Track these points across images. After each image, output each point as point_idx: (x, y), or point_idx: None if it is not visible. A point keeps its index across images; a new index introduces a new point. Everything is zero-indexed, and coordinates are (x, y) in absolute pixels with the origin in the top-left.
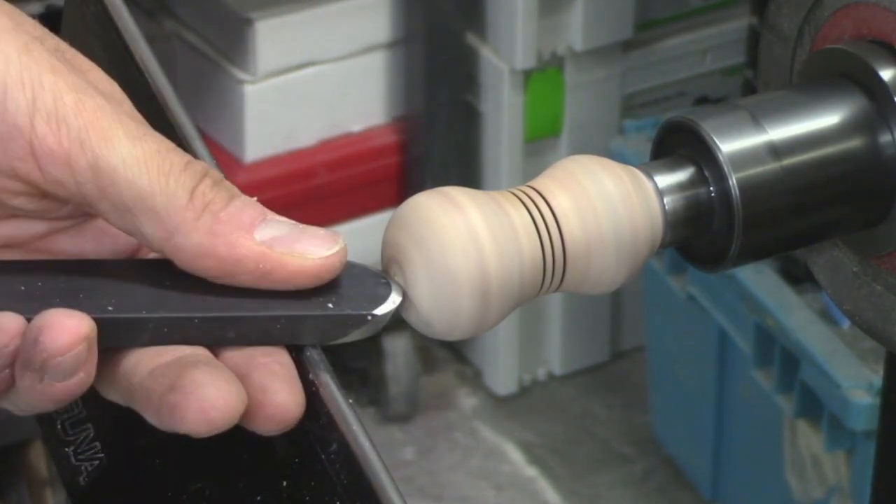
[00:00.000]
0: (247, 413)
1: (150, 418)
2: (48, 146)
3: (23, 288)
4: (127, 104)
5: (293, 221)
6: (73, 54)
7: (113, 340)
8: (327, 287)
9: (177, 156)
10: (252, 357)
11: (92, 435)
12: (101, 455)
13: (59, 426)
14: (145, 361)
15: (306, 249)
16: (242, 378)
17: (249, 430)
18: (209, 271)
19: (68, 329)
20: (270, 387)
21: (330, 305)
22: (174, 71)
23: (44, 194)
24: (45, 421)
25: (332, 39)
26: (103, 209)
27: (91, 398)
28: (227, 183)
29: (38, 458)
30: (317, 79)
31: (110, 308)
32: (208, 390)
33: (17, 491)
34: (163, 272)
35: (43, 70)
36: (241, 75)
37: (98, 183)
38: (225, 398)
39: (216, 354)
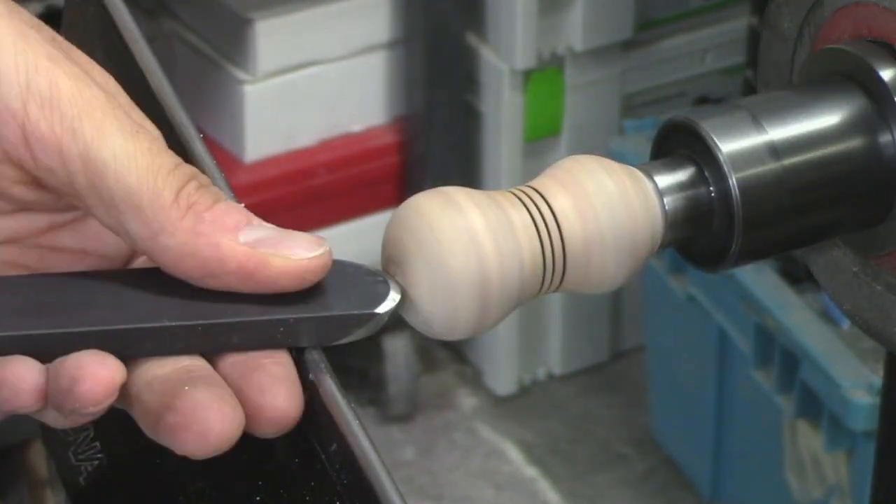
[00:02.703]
0: (246, 417)
1: (147, 431)
2: (40, 131)
3: (20, 303)
4: (123, 97)
5: (277, 227)
6: (68, 46)
7: (116, 352)
8: (326, 288)
9: (167, 156)
10: (252, 358)
11: (92, 435)
12: (101, 455)
13: None
14: (143, 371)
15: (290, 251)
16: (241, 379)
17: (248, 433)
18: (193, 271)
19: (103, 382)
20: (270, 390)
21: (330, 306)
22: (174, 71)
23: (38, 183)
24: None
25: (332, 39)
26: (91, 202)
27: None
28: (214, 188)
29: (38, 458)
30: (317, 79)
31: (112, 320)
32: (209, 414)
33: (17, 491)
34: (160, 281)
35: (39, 56)
36: (241, 75)
37: (88, 174)
38: (224, 423)
39: (215, 357)
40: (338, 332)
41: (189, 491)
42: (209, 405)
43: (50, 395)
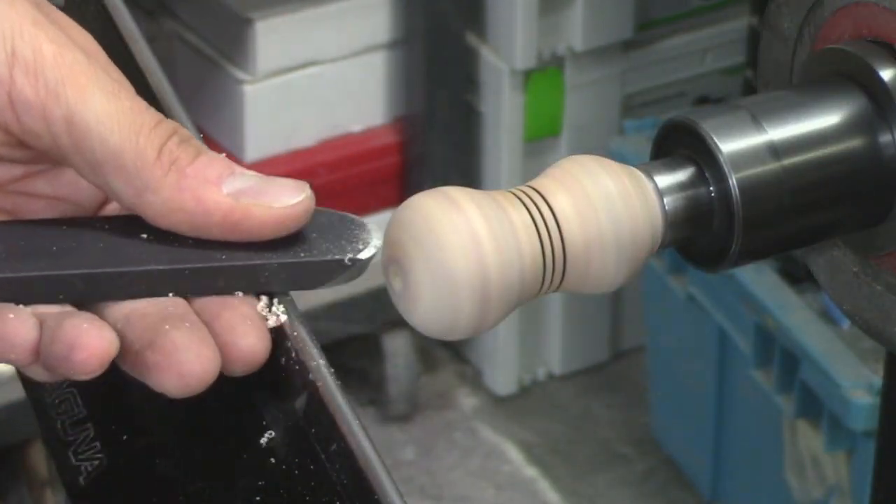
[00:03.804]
0: None
1: (124, 366)
2: (25, 97)
3: (4, 248)
4: (102, 56)
5: (260, 174)
6: (50, 9)
7: (102, 294)
8: (310, 234)
9: (148, 114)
10: (222, 298)
11: (92, 435)
12: (101, 455)
13: (59, 426)
14: (122, 304)
15: (273, 199)
16: (212, 318)
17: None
18: (179, 225)
19: (98, 352)
20: (239, 329)
21: (313, 252)
22: (174, 71)
23: (22, 144)
24: (45, 421)
25: (332, 39)
26: (76, 163)
27: (91, 398)
28: (196, 141)
29: (38, 458)
30: (317, 79)
31: (99, 263)
32: (187, 355)
33: (17, 491)
34: (145, 226)
35: (24, 21)
36: (241, 75)
37: (72, 136)
38: (202, 364)
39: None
40: (320, 277)
41: (189, 491)
42: (189, 346)
43: (43, 354)
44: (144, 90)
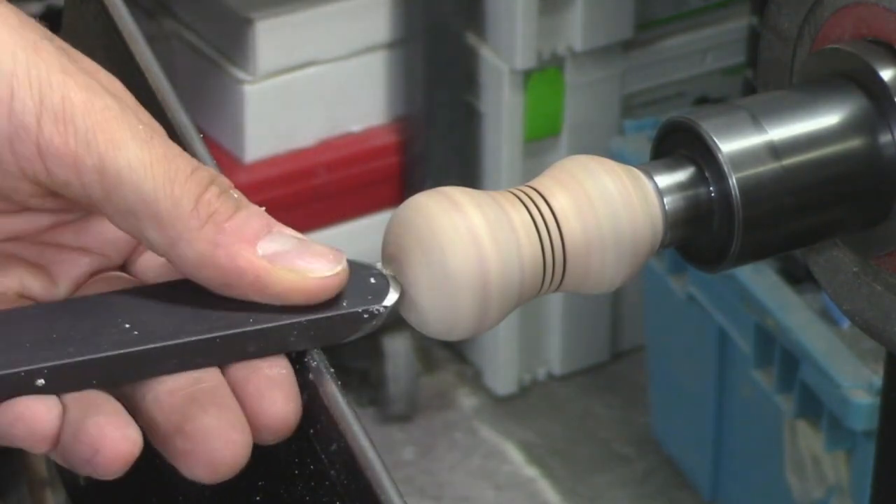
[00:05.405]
0: None
1: (154, 445)
2: (55, 147)
3: (35, 334)
4: (130, 100)
5: (299, 235)
6: (78, 56)
7: (136, 374)
8: None
9: (183, 161)
10: (253, 367)
11: None
12: None
13: None
14: (152, 383)
15: (308, 267)
16: (240, 383)
17: None
18: (210, 281)
19: (122, 455)
20: (267, 395)
21: (337, 305)
22: (174, 71)
23: (53, 194)
24: None
25: (332, 39)
26: (109, 212)
27: None
28: (236, 192)
29: (38, 458)
30: (317, 79)
31: (128, 342)
32: (216, 443)
33: (17, 491)
34: (169, 296)
35: (52, 69)
36: (241, 75)
37: (103, 185)
38: (233, 451)
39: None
40: (344, 331)
41: (189, 491)
42: (218, 434)
43: (64, 451)
44: (144, 90)
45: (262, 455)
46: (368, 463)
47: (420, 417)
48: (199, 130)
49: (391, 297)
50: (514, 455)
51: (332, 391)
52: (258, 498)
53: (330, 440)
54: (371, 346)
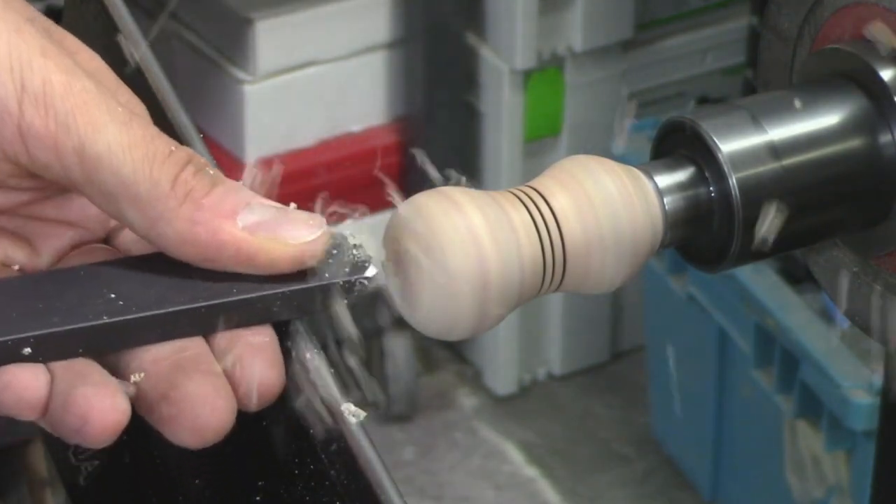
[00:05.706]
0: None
1: (139, 412)
2: (35, 130)
3: (21, 305)
4: (113, 80)
5: (278, 205)
6: (61, 35)
7: (121, 343)
8: None
9: (161, 143)
10: (237, 334)
11: None
12: (101, 455)
13: None
14: (136, 353)
15: (288, 234)
16: (225, 353)
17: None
18: (192, 257)
19: (111, 425)
20: (251, 362)
21: (321, 275)
22: (174, 71)
23: (33, 176)
24: None
25: (332, 39)
26: (89, 192)
27: None
28: (212, 169)
29: (38, 458)
30: (317, 79)
31: (114, 311)
32: (202, 409)
33: (17, 491)
34: (154, 267)
35: (33, 52)
36: (241, 75)
37: (83, 168)
38: (217, 416)
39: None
40: (328, 300)
41: (189, 491)
42: (203, 399)
43: (53, 420)
44: (144, 90)
45: (262, 455)
46: (368, 463)
47: (420, 417)
48: (199, 130)
49: (371, 270)
50: (514, 455)
51: (333, 391)
52: (258, 498)
53: (330, 440)
54: (371, 346)
